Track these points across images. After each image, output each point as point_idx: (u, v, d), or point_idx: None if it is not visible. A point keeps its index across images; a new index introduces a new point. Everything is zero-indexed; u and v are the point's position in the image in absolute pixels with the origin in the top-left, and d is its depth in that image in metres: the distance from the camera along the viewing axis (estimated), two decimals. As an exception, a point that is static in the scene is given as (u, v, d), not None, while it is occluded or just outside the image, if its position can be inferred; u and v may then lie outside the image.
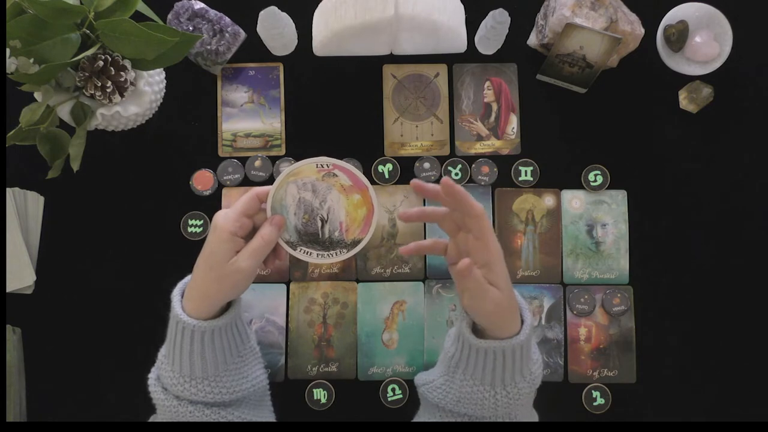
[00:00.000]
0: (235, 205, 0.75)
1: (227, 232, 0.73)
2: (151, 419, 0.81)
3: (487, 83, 1.00)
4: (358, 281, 0.97)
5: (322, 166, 0.76)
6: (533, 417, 0.83)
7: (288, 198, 0.77)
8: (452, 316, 0.96)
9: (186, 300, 0.76)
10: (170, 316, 0.77)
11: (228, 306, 0.78)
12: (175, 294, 0.77)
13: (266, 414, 0.84)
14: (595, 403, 0.95)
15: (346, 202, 0.77)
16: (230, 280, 0.74)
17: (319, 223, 0.78)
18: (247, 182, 0.98)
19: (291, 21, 0.97)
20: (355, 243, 0.78)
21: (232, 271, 0.74)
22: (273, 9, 0.92)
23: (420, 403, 0.85)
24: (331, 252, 0.78)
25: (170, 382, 0.77)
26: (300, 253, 0.78)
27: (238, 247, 0.74)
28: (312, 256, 0.78)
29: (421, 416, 0.84)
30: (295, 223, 0.77)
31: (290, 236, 0.78)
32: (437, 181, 0.98)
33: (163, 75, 0.95)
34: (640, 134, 0.99)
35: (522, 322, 0.77)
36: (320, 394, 0.95)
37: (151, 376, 0.80)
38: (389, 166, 0.98)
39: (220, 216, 0.74)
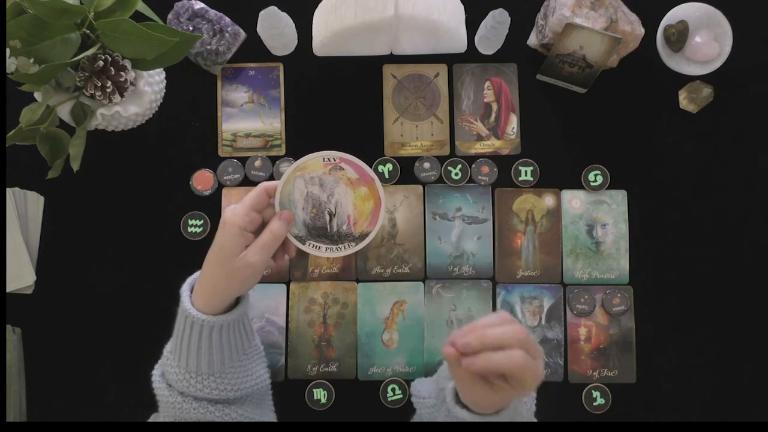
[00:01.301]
0: (243, 200, 0.75)
1: (236, 227, 0.73)
2: (152, 418, 0.81)
3: (487, 83, 1.00)
4: (358, 281, 0.97)
5: (329, 160, 0.76)
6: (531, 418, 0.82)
7: (296, 193, 0.77)
8: (452, 316, 0.96)
9: (195, 295, 0.76)
10: (178, 311, 0.77)
11: (236, 303, 0.78)
12: (184, 289, 0.78)
13: (268, 413, 0.85)
14: (595, 403, 0.95)
15: (354, 195, 0.78)
16: (240, 274, 0.74)
17: (327, 217, 0.78)
18: (247, 182, 0.98)
19: (291, 21, 0.97)
20: (364, 236, 0.78)
21: (241, 265, 0.74)
22: (273, 9, 0.92)
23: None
24: (340, 246, 0.78)
25: (176, 378, 0.77)
26: (309, 248, 0.78)
27: (248, 241, 0.75)
28: (321, 250, 0.78)
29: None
30: (303, 217, 0.78)
31: (299, 231, 0.78)
32: (437, 181, 0.98)
33: (163, 75, 0.95)
34: (640, 134, 0.99)
35: None
36: (320, 394, 0.95)
37: (156, 372, 0.80)
38: (389, 166, 0.98)
39: (228, 211, 0.75)
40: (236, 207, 0.75)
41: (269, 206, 0.77)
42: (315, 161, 0.76)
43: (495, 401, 0.69)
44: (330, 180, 0.77)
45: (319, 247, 0.78)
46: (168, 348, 0.79)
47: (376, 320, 0.96)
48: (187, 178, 0.98)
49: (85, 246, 0.97)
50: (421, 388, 0.83)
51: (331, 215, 0.78)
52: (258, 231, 0.76)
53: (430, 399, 0.80)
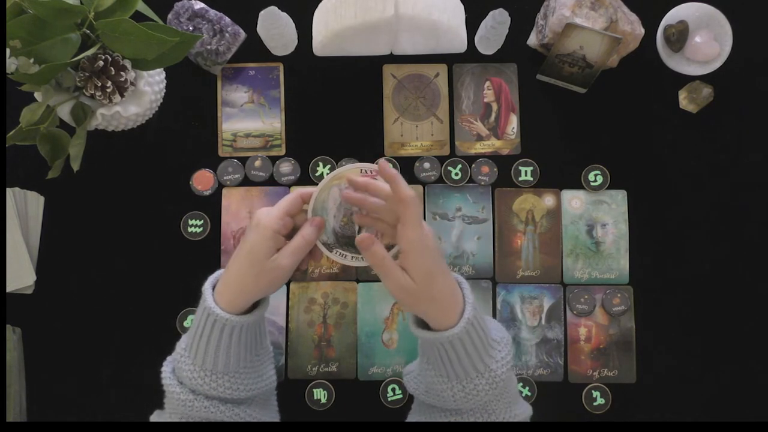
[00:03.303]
0: (278, 204, 0.77)
1: (271, 230, 0.75)
2: (153, 417, 0.81)
3: (487, 83, 1.00)
4: (358, 281, 0.97)
5: (366, 172, 0.78)
6: (523, 411, 0.81)
7: (330, 200, 0.79)
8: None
9: (218, 294, 0.76)
10: (199, 309, 0.77)
11: (254, 304, 0.79)
12: (207, 287, 0.78)
13: (272, 414, 0.85)
14: (595, 403, 0.95)
15: None
16: (269, 276, 0.76)
17: (357, 227, 0.79)
18: (247, 182, 0.98)
19: (291, 21, 0.97)
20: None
21: (272, 267, 0.75)
22: (273, 9, 0.92)
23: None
24: None
25: (189, 375, 0.76)
26: (336, 255, 0.80)
27: (279, 245, 0.76)
28: (347, 259, 0.80)
29: (413, 413, 0.84)
30: (333, 225, 0.79)
31: (327, 238, 0.79)
32: (437, 181, 0.98)
33: (163, 75, 0.95)
34: (640, 134, 0.99)
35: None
36: (320, 394, 0.95)
37: (166, 368, 0.79)
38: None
39: (263, 213, 0.76)
40: (271, 210, 0.77)
41: (301, 212, 0.79)
42: (352, 171, 0.78)
43: (410, 285, 0.74)
44: None
45: (345, 256, 0.80)
46: (182, 345, 0.79)
47: (376, 320, 0.96)
48: (187, 178, 0.98)
49: (85, 246, 0.97)
50: (410, 366, 0.86)
51: (360, 225, 0.79)
52: (288, 236, 0.77)
53: (415, 371, 0.83)
